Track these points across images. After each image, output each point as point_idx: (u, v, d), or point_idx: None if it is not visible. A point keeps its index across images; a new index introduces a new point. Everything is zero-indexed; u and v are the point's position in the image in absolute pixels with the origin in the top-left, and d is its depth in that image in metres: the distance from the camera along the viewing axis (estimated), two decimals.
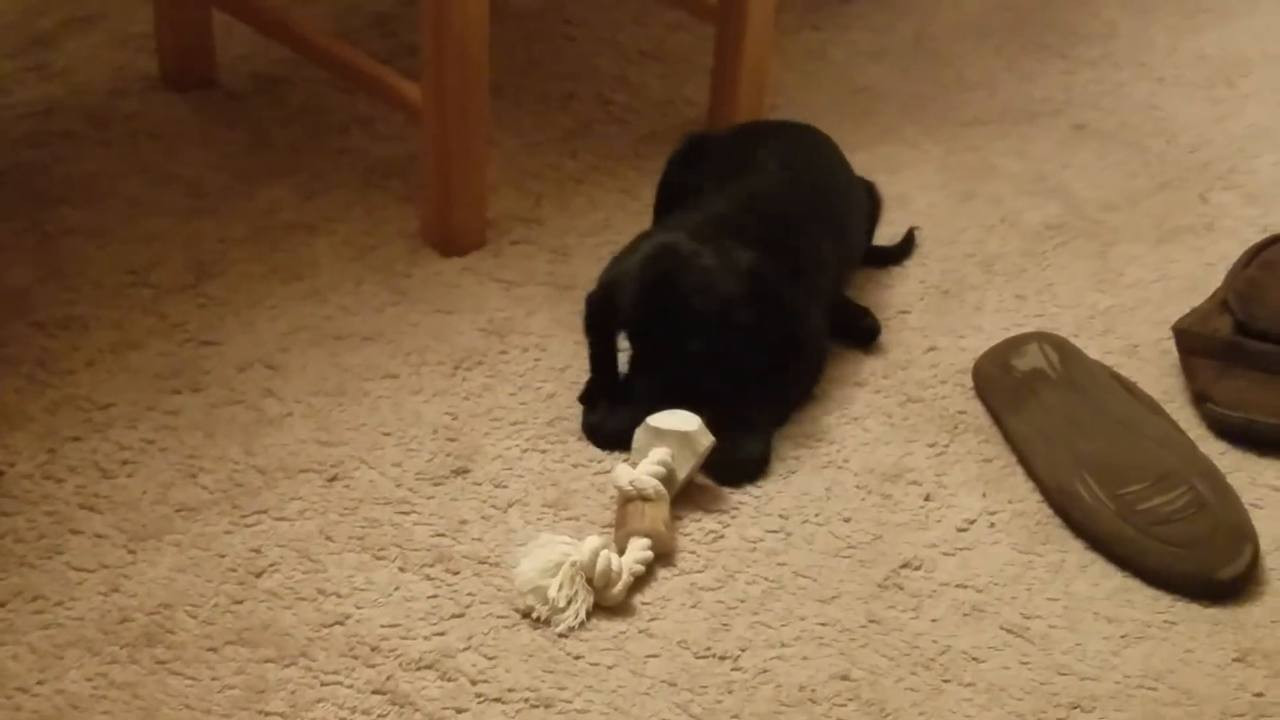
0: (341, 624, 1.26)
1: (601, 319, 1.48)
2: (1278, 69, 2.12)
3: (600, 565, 1.27)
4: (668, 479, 1.36)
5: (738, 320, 1.42)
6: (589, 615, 1.28)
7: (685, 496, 1.39)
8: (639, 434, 1.40)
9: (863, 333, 1.59)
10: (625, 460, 1.40)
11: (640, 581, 1.31)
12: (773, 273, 1.45)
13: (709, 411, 1.40)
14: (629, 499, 1.35)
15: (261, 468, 1.40)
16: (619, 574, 1.28)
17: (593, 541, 1.28)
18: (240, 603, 1.27)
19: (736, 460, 1.42)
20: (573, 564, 1.28)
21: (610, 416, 1.45)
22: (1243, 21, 2.23)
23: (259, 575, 1.30)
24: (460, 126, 1.61)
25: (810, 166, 1.63)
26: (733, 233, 1.47)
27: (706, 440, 1.38)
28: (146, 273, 1.62)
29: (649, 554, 1.32)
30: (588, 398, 1.48)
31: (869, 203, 1.71)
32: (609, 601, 1.29)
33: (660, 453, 1.36)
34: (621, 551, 1.31)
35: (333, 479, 1.39)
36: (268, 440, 1.43)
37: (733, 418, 1.43)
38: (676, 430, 1.38)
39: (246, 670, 1.22)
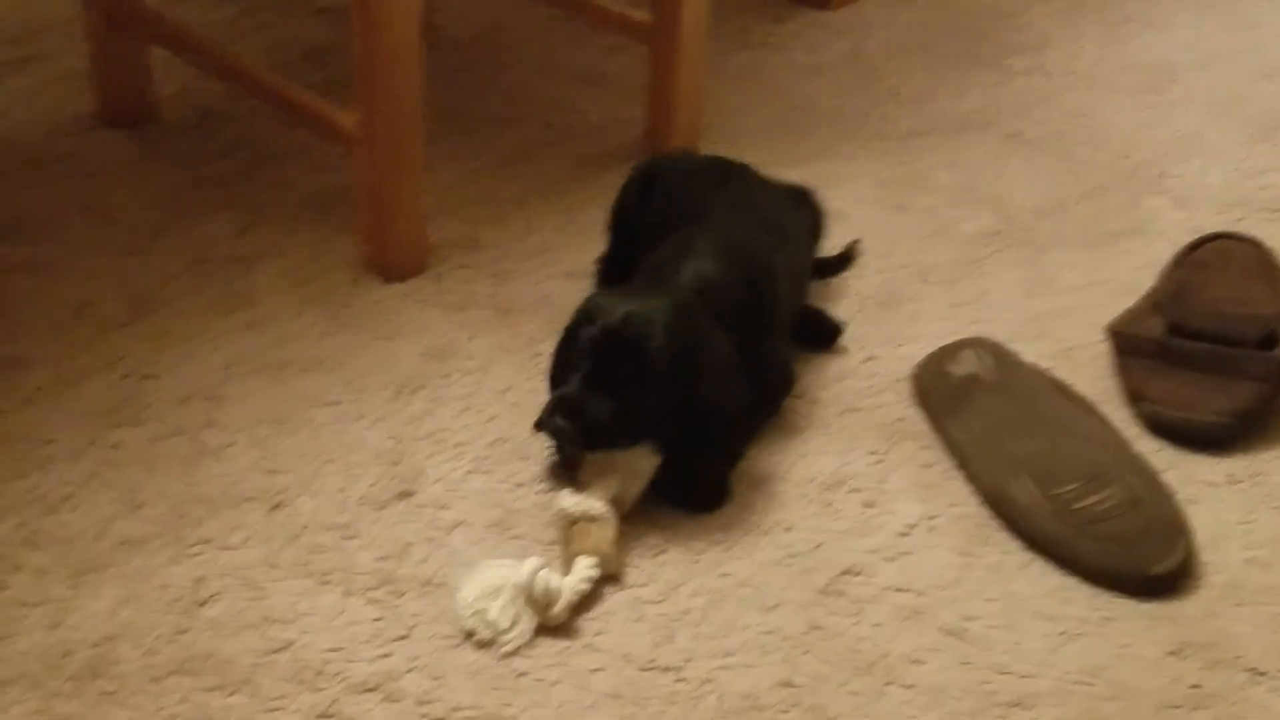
0: (285, 650, 1.26)
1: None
2: (1203, 75, 2.16)
3: (539, 585, 1.28)
4: (616, 502, 1.37)
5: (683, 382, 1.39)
6: (534, 635, 1.28)
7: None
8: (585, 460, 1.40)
9: (826, 333, 1.62)
10: (570, 487, 1.40)
11: (584, 599, 1.31)
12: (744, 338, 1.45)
13: (669, 446, 1.40)
14: (574, 520, 1.35)
15: (204, 498, 1.40)
16: (559, 593, 1.29)
17: (531, 562, 1.29)
18: (184, 632, 1.27)
19: (695, 496, 1.42)
20: (513, 586, 1.28)
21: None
22: (1168, 30, 2.27)
23: (202, 604, 1.30)
24: (395, 154, 1.62)
25: (762, 204, 1.65)
26: (716, 295, 1.46)
27: (653, 460, 1.39)
28: (86, 309, 1.62)
29: (595, 572, 1.32)
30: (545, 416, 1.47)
31: (811, 213, 1.72)
32: (552, 621, 1.29)
33: (608, 477, 1.37)
34: (567, 572, 1.32)
35: (276, 506, 1.40)
36: (210, 471, 1.43)
37: (692, 452, 1.41)
38: (622, 453, 1.39)
39: (190, 699, 1.22)
